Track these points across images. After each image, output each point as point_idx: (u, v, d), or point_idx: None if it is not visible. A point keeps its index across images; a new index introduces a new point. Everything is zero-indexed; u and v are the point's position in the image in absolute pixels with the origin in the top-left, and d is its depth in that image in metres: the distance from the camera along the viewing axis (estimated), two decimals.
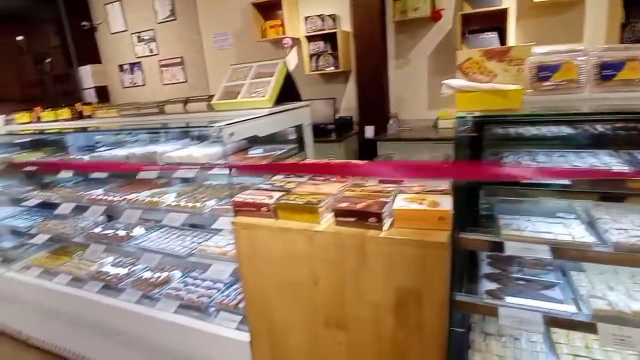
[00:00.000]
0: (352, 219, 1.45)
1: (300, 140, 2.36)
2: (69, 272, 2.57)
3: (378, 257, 1.40)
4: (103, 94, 6.20)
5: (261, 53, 4.90)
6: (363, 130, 4.31)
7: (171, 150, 2.21)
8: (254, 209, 1.62)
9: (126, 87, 6.22)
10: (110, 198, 2.39)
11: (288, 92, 2.14)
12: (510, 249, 1.36)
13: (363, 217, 1.42)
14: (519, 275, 1.57)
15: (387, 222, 1.43)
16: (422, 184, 1.61)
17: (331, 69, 4.48)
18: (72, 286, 2.48)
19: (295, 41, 4.67)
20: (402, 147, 3.88)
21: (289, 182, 1.84)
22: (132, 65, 6.10)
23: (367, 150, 4.15)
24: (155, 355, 2.16)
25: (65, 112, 2.67)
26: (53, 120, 2.73)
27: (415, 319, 1.42)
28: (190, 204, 2.13)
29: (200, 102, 2.17)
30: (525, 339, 1.65)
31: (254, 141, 2.28)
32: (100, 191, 2.59)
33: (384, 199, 1.50)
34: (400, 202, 1.44)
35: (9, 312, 2.83)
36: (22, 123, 2.87)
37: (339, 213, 1.47)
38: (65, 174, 2.49)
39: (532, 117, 1.43)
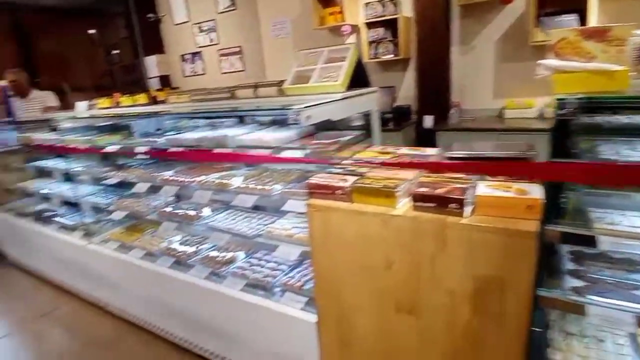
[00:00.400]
0: (432, 205, 1.42)
1: (367, 127, 2.35)
2: (143, 247, 2.75)
3: (458, 244, 1.37)
4: (166, 82, 6.51)
5: (318, 41, 4.90)
6: (421, 120, 4.21)
7: (241, 134, 2.28)
8: (328, 191, 1.63)
9: (187, 76, 6.49)
10: (182, 179, 2.52)
11: (357, 78, 2.13)
12: (606, 243, 1.27)
13: (443, 202, 1.39)
14: (605, 274, 1.47)
15: (468, 209, 1.39)
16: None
17: (390, 56, 4.39)
18: (145, 260, 2.66)
19: (354, 28, 4.62)
20: (464, 138, 3.75)
21: (361, 167, 1.83)
22: (193, 54, 6.35)
23: (425, 141, 4.05)
24: (221, 329, 2.26)
25: (142, 98, 2.84)
26: (131, 105, 2.91)
27: (495, 309, 1.37)
28: (259, 187, 2.19)
29: (270, 87, 2.22)
30: (611, 341, 1.55)
31: (320, 127, 2.30)
32: (171, 172, 2.73)
33: (464, 186, 1.45)
34: (484, 189, 1.39)
35: (90, 280, 3.09)
36: (103, 108, 3.08)
37: (418, 198, 1.45)
38: (142, 155, 2.64)
39: None
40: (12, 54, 6.23)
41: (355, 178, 1.68)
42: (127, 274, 2.73)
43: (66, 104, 5.14)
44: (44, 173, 4.05)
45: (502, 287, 1.34)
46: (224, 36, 5.96)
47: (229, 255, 2.47)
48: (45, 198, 3.78)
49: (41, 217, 3.67)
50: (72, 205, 3.69)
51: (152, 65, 6.54)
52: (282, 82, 2.22)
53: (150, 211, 2.79)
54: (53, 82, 5.92)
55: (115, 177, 2.95)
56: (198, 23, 6.12)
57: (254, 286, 2.20)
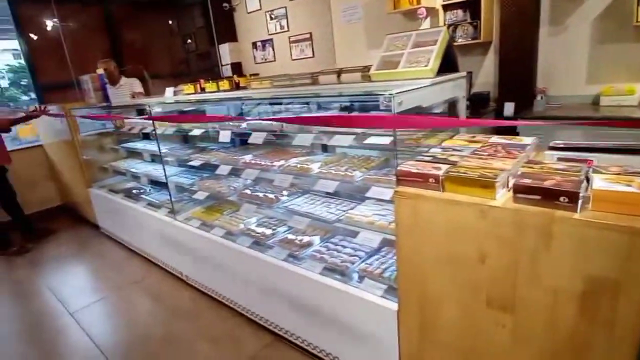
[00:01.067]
0: (537, 197, 1.33)
1: (449, 114, 2.26)
2: (223, 227, 2.90)
3: (567, 240, 1.27)
4: (238, 69, 6.75)
5: (391, 25, 4.78)
6: (501, 108, 3.96)
7: None
8: (419, 179, 1.59)
9: (258, 63, 6.67)
10: (263, 163, 2.61)
11: (446, 62, 2.04)
12: None
13: (552, 195, 1.29)
14: None
15: (579, 203, 1.28)
16: (620, 164, 1.40)
17: (469, 40, 4.16)
18: (226, 238, 2.81)
19: (430, 11, 4.43)
20: (550, 128, 3.47)
21: (451, 155, 1.77)
22: (264, 42, 6.49)
23: (505, 130, 3.81)
24: (297, 309, 2.33)
25: (225, 84, 2.97)
26: (215, 91, 3.05)
27: (605, 314, 1.27)
28: (341, 173, 2.20)
29: (354, 73, 2.20)
30: None
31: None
32: (250, 156, 2.84)
33: (574, 178, 1.34)
34: (601, 183, 1.28)
35: (174, 254, 3.34)
36: (188, 94, 3.27)
37: (521, 189, 1.36)
38: (222, 139, 2.77)
39: None
40: (104, 45, 6.79)
41: (447, 166, 1.62)
42: (208, 251, 2.91)
43: (147, 91, 5.54)
44: (133, 154, 4.42)
45: (616, 291, 1.23)
46: (294, 23, 6.02)
47: (306, 239, 2.54)
48: (135, 177, 4.13)
49: (131, 194, 4.02)
50: (158, 184, 3.99)
51: (225, 53, 6.80)
52: (366, 67, 2.20)
53: (230, 193, 2.94)
54: (135, 70, 6.37)
55: (198, 159, 3.12)
56: (270, 10, 6.24)
57: (331, 270, 2.24)
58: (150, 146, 3.91)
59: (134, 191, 4.06)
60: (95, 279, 3.69)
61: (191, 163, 3.12)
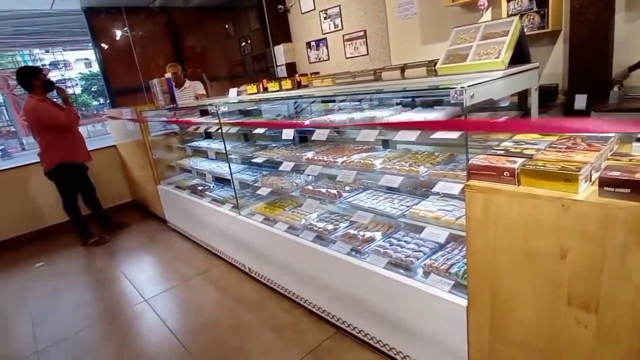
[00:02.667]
0: (626, 190, 1.28)
1: (524, 106, 2.20)
2: (286, 221, 3.02)
3: None
4: (292, 69, 6.92)
5: (447, 19, 4.68)
6: (571, 100, 3.75)
7: (388, 115, 2.32)
8: (493, 173, 1.58)
9: (312, 63, 6.80)
10: (326, 159, 2.68)
11: (518, 53, 1.99)
12: None
13: None
14: None
15: None
16: None
17: (535, 30, 3.98)
18: (289, 233, 2.92)
19: (492, 1, 4.29)
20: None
21: (525, 149, 1.73)
22: (318, 41, 6.60)
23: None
24: (362, 302, 2.38)
25: (288, 83, 3.08)
26: (277, 90, 3.18)
27: None
28: (406, 168, 2.22)
29: (418, 68, 2.21)
30: None
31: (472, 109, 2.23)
32: (311, 153, 2.93)
33: None
34: None
35: (238, 248, 3.52)
36: (251, 93, 3.43)
37: (609, 182, 1.32)
38: (285, 136, 2.88)
39: None
40: (167, 50, 7.26)
41: (522, 160, 1.60)
42: (272, 245, 3.04)
43: (207, 93, 5.85)
44: (197, 152, 4.70)
45: None
46: (348, 21, 6.07)
47: (368, 234, 2.58)
48: (200, 174, 4.39)
49: (196, 190, 4.28)
50: (221, 181, 4.22)
51: (280, 53, 6.99)
52: (431, 62, 2.19)
53: (293, 188, 3.05)
54: (195, 73, 6.73)
55: (261, 157, 3.27)
56: (324, 10, 6.33)
57: (396, 265, 2.26)
58: (215, 145, 4.14)
59: (199, 188, 4.31)
60: (165, 269, 3.98)
61: (254, 160, 3.27)
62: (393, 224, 2.66)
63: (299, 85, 3.10)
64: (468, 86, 1.63)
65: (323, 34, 6.46)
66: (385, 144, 2.93)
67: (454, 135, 1.91)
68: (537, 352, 1.65)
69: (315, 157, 2.78)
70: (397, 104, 2.70)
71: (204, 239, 4.16)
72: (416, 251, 2.33)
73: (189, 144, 4.60)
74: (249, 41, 7.74)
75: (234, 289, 3.37)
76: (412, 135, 2.07)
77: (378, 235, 2.58)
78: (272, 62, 7.16)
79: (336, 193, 2.71)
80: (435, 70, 2.14)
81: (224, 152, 3.68)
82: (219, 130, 3.45)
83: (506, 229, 1.58)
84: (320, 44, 6.60)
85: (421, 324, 2.07)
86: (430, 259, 2.21)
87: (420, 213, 2.21)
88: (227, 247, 3.73)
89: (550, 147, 1.74)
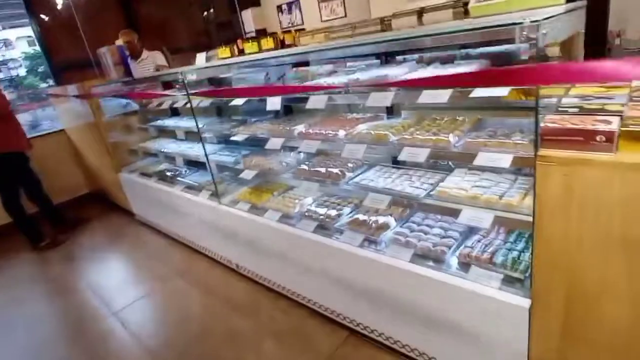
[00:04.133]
0: None
1: (567, 53, 1.79)
2: (278, 209, 2.55)
3: None
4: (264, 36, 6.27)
5: None
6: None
7: (404, 73, 1.86)
8: (580, 138, 1.17)
9: (284, 29, 6.16)
10: (325, 132, 2.21)
11: None
12: None
13: None
14: None
15: None
16: None
17: None
18: (283, 223, 2.46)
19: None
20: None
21: (603, 105, 1.33)
22: (290, 4, 5.96)
23: None
24: (382, 302, 1.98)
25: (269, 42, 2.54)
26: (256, 52, 2.64)
27: None
28: (431, 137, 1.78)
29: (443, 10, 1.74)
30: None
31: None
32: (302, 126, 2.44)
33: None
34: None
35: (221, 241, 3.03)
36: (223, 58, 2.86)
37: None
38: (272, 106, 2.37)
39: None
40: (118, 17, 6.39)
41: (615, 119, 1.19)
42: (263, 237, 2.58)
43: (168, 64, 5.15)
44: (164, 133, 4.09)
45: None
46: None
47: (381, 219, 2.16)
48: (168, 157, 3.80)
49: (165, 177, 3.71)
50: (195, 164, 3.67)
51: (249, 19, 6.30)
52: (458, 1, 1.73)
53: (283, 170, 2.57)
54: (153, 44, 5.97)
55: (241, 134, 2.75)
56: None
57: (422, 257, 1.87)
58: (183, 122, 3.56)
59: (168, 173, 3.75)
60: (137, 272, 3.45)
61: (234, 138, 2.75)
62: (408, 206, 2.25)
63: (282, 45, 2.57)
64: (543, 19, 1.19)
65: None
66: (390, 111, 2.48)
67: (501, 92, 1.48)
68: (627, 357, 1.31)
69: (311, 131, 2.30)
70: (428, 59, 2.23)
71: (181, 233, 3.63)
72: (444, 237, 1.94)
73: (152, 124, 3.98)
74: (213, 7, 6.97)
75: (221, 289, 2.91)
76: (443, 95, 1.63)
77: (391, 220, 2.17)
78: (241, 29, 6.47)
79: (339, 172, 2.26)
80: (465, 11, 1.68)
81: (196, 130, 3.13)
82: (189, 105, 2.89)
83: (597, 210, 1.19)
84: (293, 7, 5.97)
85: (463, 328, 1.70)
86: (465, 247, 1.82)
87: (450, 192, 1.80)
88: (209, 241, 3.24)
89: (633, 100, 1.35)
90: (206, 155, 2.97)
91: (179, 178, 3.58)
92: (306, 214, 2.41)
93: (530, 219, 1.43)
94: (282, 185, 2.93)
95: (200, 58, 2.98)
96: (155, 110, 4.03)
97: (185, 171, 3.75)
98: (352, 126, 2.24)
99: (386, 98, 1.84)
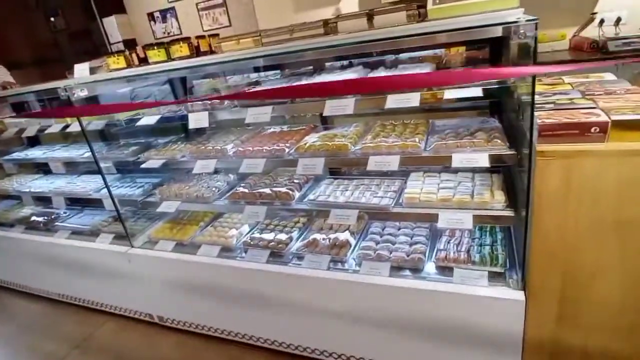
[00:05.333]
0: None
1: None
2: (214, 242, 2.18)
3: None
4: (133, 47, 5.51)
5: None
6: None
7: (355, 77, 1.75)
8: (575, 131, 1.21)
9: (159, 39, 5.53)
10: (270, 148, 1.95)
11: None
12: None
13: None
14: None
15: None
16: None
17: None
18: (224, 257, 2.10)
19: None
20: None
21: (573, 99, 1.42)
22: (164, 12, 5.38)
23: None
24: (366, 323, 1.82)
25: (182, 48, 2.14)
26: (165, 60, 2.21)
27: None
28: (399, 142, 1.70)
29: (396, 13, 1.68)
30: None
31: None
32: (231, 145, 2.14)
33: None
34: None
35: (136, 294, 2.46)
36: (118, 69, 2.34)
37: None
38: (195, 124, 2.02)
39: None
40: None
41: (600, 112, 1.27)
42: (199, 277, 2.17)
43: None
44: (23, 168, 3.21)
45: None
46: None
47: (341, 237, 2.00)
48: (38, 199, 2.97)
49: (36, 224, 2.89)
50: (76, 203, 2.95)
51: (113, 28, 5.48)
52: (412, 5, 1.69)
53: (215, 195, 2.20)
54: None
55: (154, 159, 2.28)
56: None
57: (399, 268, 1.77)
58: (59, 152, 2.83)
59: (38, 219, 2.93)
60: (14, 356, 2.58)
61: (147, 165, 2.26)
62: (360, 217, 2.14)
63: (197, 52, 2.21)
64: (525, 20, 1.20)
65: (169, 1, 5.28)
66: (324, 120, 2.36)
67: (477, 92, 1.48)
68: (619, 335, 1.41)
69: (251, 148, 2.01)
70: (344, 67, 2.14)
71: (71, 293, 2.85)
72: (412, 244, 1.88)
73: (6, 157, 3.07)
74: (61, 13, 5.87)
75: (143, 352, 2.35)
76: (413, 101, 1.56)
77: (349, 235, 2.03)
78: (103, 40, 5.58)
79: (288, 192, 2.02)
80: (420, 14, 1.65)
81: (80, 160, 2.51)
82: (81, 128, 2.28)
83: (593, 197, 1.25)
84: (168, 15, 5.41)
85: (464, 332, 1.64)
86: (438, 250, 1.79)
87: (420, 197, 1.75)
88: (117, 295, 2.61)
89: (588, 95, 1.48)
90: (108, 188, 2.37)
91: (58, 223, 2.83)
92: (251, 242, 2.11)
93: (507, 213, 1.51)
94: (205, 214, 2.54)
95: (82, 69, 2.38)
96: (4, 140, 3.14)
97: (64, 213, 2.99)
98: (293, 139, 2.03)
99: (348, 107, 1.69)
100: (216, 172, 2.48)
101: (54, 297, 2.95)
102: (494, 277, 1.61)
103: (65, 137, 3.28)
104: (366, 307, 1.78)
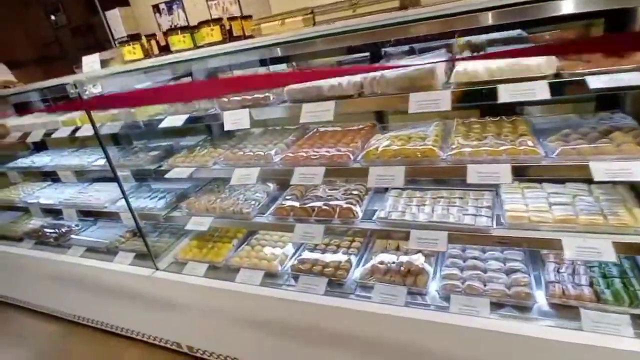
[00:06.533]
0: None
1: None
2: (254, 266, 1.75)
3: None
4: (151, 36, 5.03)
5: None
6: None
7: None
8: None
9: (165, 32, 5.04)
10: (330, 152, 1.51)
11: None
12: None
13: None
14: None
15: None
16: None
17: None
18: (267, 285, 1.68)
19: None
20: None
21: None
22: (170, 3, 4.89)
23: None
24: None
25: (213, 33, 1.69)
26: (190, 48, 1.76)
27: None
28: (506, 146, 1.26)
29: None
30: None
31: None
32: (273, 150, 1.69)
33: None
34: None
35: (164, 320, 2.04)
36: (133, 60, 1.89)
37: None
38: (232, 126, 1.57)
39: None
40: None
41: None
42: (235, 309, 1.75)
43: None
44: (27, 175, 2.77)
45: None
46: None
47: (415, 261, 1.57)
48: (47, 211, 2.52)
49: (46, 238, 2.46)
50: (87, 215, 2.51)
51: (117, 22, 4.97)
52: None
53: (254, 210, 1.76)
54: None
55: (181, 166, 1.83)
56: None
57: (498, 305, 1.34)
58: (68, 159, 2.39)
59: (49, 232, 2.50)
60: None
61: (172, 174, 1.81)
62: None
63: (230, 36, 1.76)
64: None
65: None
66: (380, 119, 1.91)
67: None
68: None
69: (304, 154, 1.57)
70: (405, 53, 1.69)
71: (87, 314, 2.43)
72: (508, 272, 1.45)
73: (11, 165, 2.62)
74: (62, 8, 5.37)
75: None
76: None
77: (421, 259, 1.59)
78: (108, 35, 5.08)
79: (349, 208, 1.58)
80: None
81: (91, 168, 2.08)
82: (94, 132, 1.84)
83: None
84: (174, 7, 4.92)
85: None
86: (549, 282, 1.36)
87: (528, 217, 1.31)
88: (139, 321, 2.19)
89: None
90: (127, 201, 1.93)
91: (71, 236, 2.40)
92: (302, 267, 1.68)
93: None
94: (238, 229, 2.10)
95: (91, 62, 1.93)
96: (6, 145, 2.70)
97: (76, 226, 2.55)
98: (355, 142, 1.59)
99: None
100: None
101: (68, 317, 2.53)
102: (638, 322, 1.19)
103: (72, 141, 2.84)
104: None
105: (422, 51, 1.56)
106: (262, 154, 1.64)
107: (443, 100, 1.25)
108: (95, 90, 1.68)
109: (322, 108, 1.43)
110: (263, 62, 1.93)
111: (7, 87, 2.91)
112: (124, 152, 2.24)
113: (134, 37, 1.96)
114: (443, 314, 1.36)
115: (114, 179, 2.28)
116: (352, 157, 1.49)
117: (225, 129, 1.61)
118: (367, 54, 1.85)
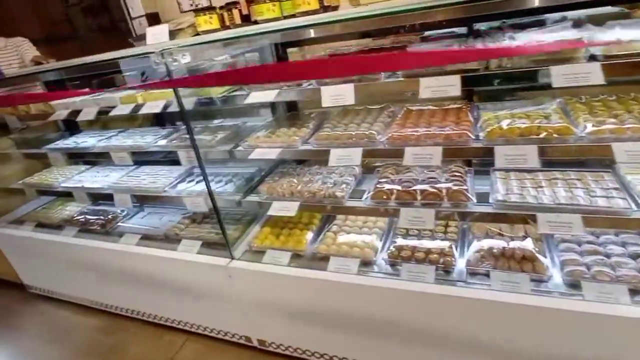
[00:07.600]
0: None
1: None
2: (346, 254, 1.62)
3: None
4: (156, 23, 4.73)
5: None
6: None
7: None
8: None
9: (185, 12, 4.75)
10: (454, 131, 1.37)
11: None
12: None
13: None
14: None
15: None
16: None
17: None
18: (362, 274, 1.55)
19: None
20: None
21: None
22: None
23: None
24: None
25: (311, 1, 1.51)
26: (277, 18, 1.57)
27: None
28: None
29: None
30: None
31: None
32: (375, 129, 1.54)
33: None
34: None
35: (237, 313, 1.87)
36: (210, 30, 1.69)
37: None
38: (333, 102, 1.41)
39: None
40: None
41: None
42: (324, 299, 1.61)
43: None
44: (73, 157, 2.55)
45: None
46: None
47: (525, 245, 1.46)
48: (92, 196, 2.30)
49: (90, 225, 2.26)
50: (140, 200, 2.31)
51: (134, 1, 4.67)
52: None
53: (347, 195, 1.61)
54: None
55: (260, 149, 1.66)
56: None
57: (634, 292, 1.25)
58: (119, 140, 2.18)
59: (93, 220, 2.30)
60: None
61: (255, 155, 1.63)
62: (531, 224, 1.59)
63: (324, 8, 1.58)
64: None
65: None
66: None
67: None
68: None
69: (414, 133, 1.42)
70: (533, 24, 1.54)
71: (136, 307, 2.25)
72: (634, 257, 1.36)
73: (51, 146, 2.38)
74: None
75: None
76: None
77: (530, 243, 1.48)
78: (123, 14, 4.78)
79: (461, 190, 1.45)
80: None
81: (166, 147, 1.90)
82: (180, 106, 1.64)
83: None
84: None
85: None
86: None
87: None
88: (199, 314, 2.03)
89: None
90: (208, 185, 1.74)
91: (120, 224, 2.21)
92: (401, 254, 1.55)
93: None
94: (313, 216, 1.94)
95: (158, 33, 1.72)
96: (39, 126, 2.47)
97: (121, 212, 2.35)
98: (458, 121, 1.45)
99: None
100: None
101: (114, 311, 2.35)
102: None
103: (104, 124, 2.61)
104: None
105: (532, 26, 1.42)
106: (365, 133, 1.49)
107: (594, 73, 1.13)
108: (184, 60, 1.48)
109: (445, 83, 1.28)
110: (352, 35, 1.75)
111: (39, 63, 2.67)
112: (182, 133, 2.04)
113: (208, 7, 1.75)
114: (583, 303, 1.25)
115: (164, 161, 2.11)
116: (471, 135, 1.36)
117: (323, 105, 1.45)
118: (452, 29, 1.71)
